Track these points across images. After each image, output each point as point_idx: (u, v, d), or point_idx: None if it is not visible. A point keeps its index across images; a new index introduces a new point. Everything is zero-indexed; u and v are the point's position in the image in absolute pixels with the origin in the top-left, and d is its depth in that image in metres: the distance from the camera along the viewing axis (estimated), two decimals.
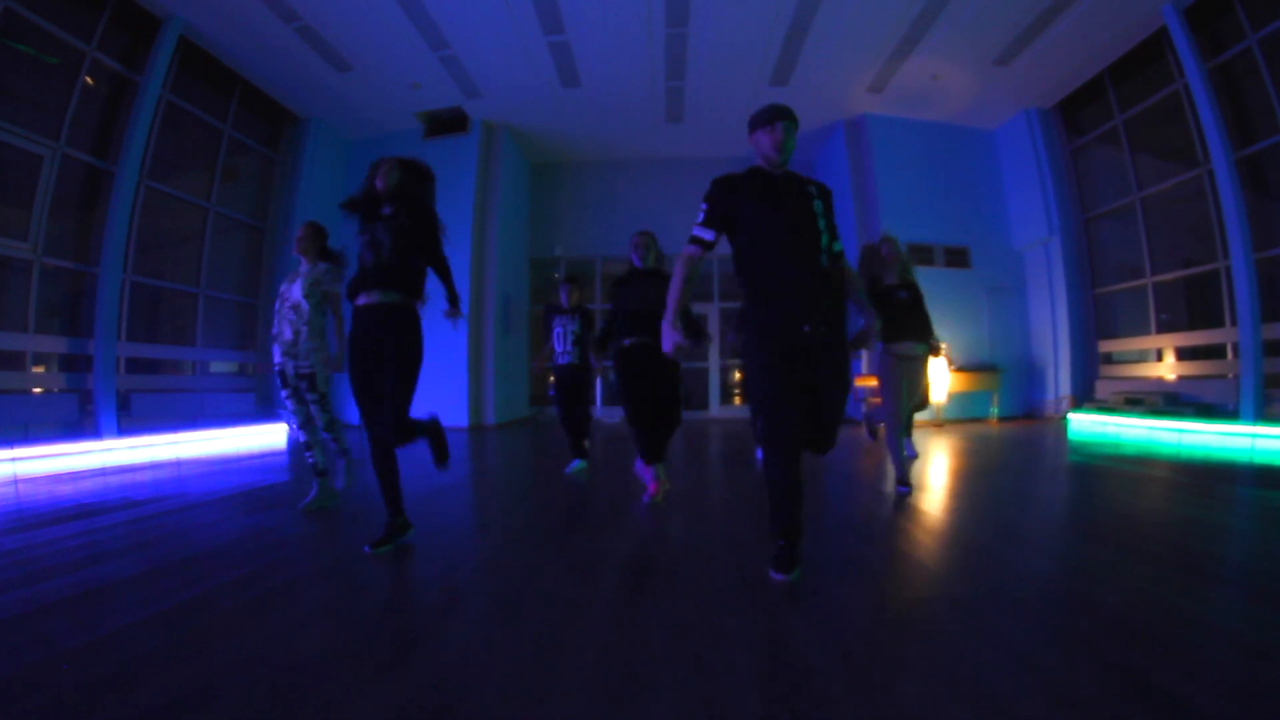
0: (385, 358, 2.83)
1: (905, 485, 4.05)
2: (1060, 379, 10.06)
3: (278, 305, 3.93)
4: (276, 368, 3.93)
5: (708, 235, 2.45)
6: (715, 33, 8.25)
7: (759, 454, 6.04)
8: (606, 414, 11.77)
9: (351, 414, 10.30)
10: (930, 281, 5.29)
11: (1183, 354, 8.46)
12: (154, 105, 7.41)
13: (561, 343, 5.18)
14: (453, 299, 3.16)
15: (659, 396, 3.90)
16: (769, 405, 2.40)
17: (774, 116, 2.45)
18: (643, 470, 4.00)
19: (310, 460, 3.93)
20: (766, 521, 2.47)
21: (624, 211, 12.06)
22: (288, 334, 3.85)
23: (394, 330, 2.86)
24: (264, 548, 3.02)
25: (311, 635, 1.98)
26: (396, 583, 2.48)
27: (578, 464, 5.24)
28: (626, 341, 3.95)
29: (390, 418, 2.82)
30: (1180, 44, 7.50)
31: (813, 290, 2.42)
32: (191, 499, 4.37)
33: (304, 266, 3.96)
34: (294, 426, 3.96)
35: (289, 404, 3.92)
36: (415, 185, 3.00)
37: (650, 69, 9.13)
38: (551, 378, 5.36)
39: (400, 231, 2.86)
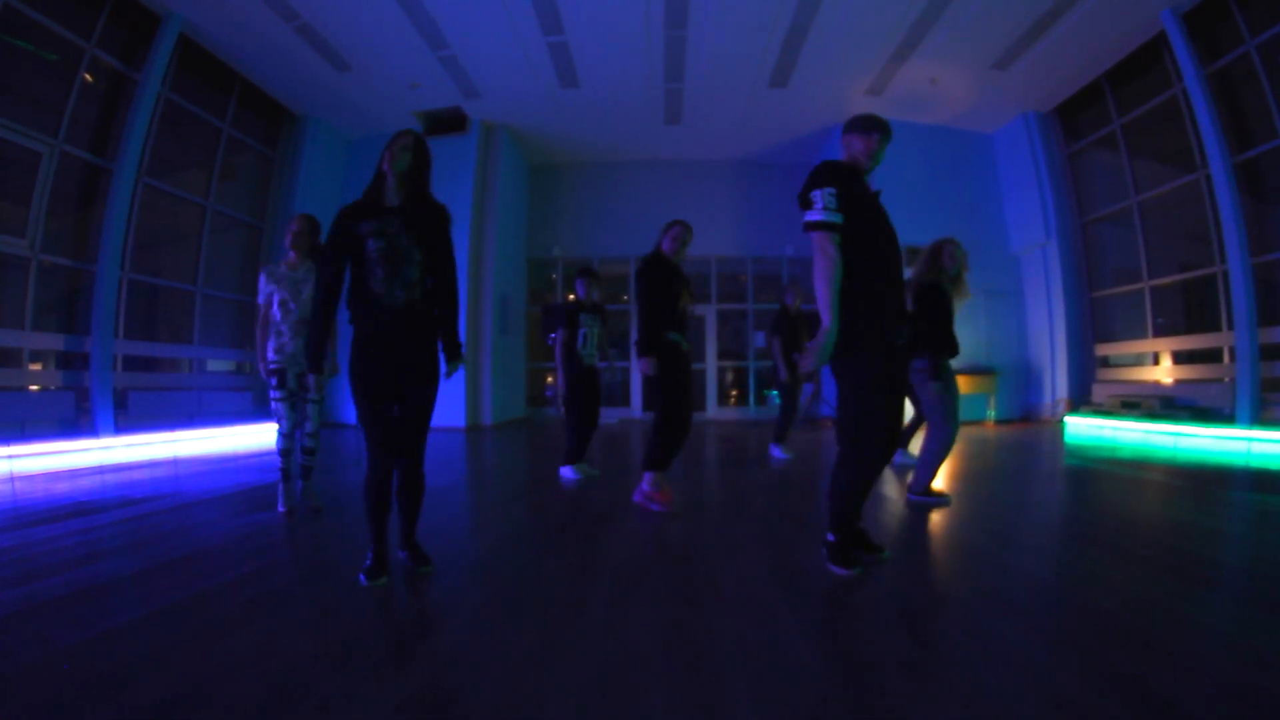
0: (407, 372, 2.45)
1: (934, 496, 3.91)
2: (1057, 382, 10.08)
3: (274, 302, 3.72)
4: (274, 366, 3.70)
5: (839, 219, 2.37)
6: (714, 35, 8.25)
7: (774, 450, 6.06)
8: (605, 414, 11.75)
9: (346, 415, 10.27)
10: None
11: (1179, 358, 8.49)
12: (153, 103, 7.40)
13: (586, 344, 4.92)
14: (453, 347, 2.60)
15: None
16: (878, 409, 2.44)
17: (874, 126, 2.55)
18: (651, 495, 3.75)
19: (300, 461, 3.82)
20: (830, 519, 2.54)
21: (622, 213, 12.07)
22: (289, 337, 3.70)
23: (421, 340, 2.50)
24: (261, 547, 3.02)
25: (308, 635, 1.98)
26: (393, 583, 2.47)
27: (578, 469, 4.97)
28: (674, 337, 3.70)
29: (411, 445, 2.51)
30: (1179, 49, 7.53)
31: (902, 301, 2.55)
32: (188, 498, 4.37)
33: (291, 258, 3.82)
34: (281, 433, 3.75)
35: (282, 408, 3.71)
36: (426, 171, 2.56)
37: (649, 70, 9.14)
38: (551, 379, 5.10)
39: (418, 231, 2.45)
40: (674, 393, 3.69)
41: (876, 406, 2.44)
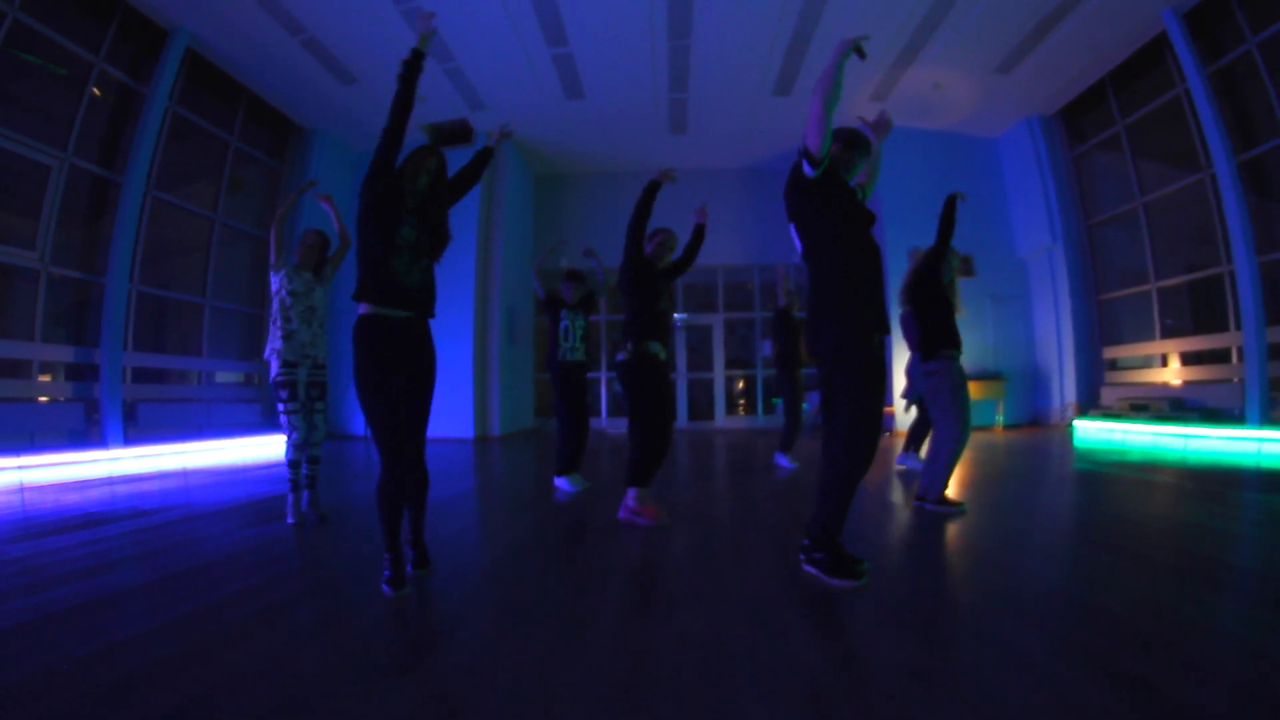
0: (415, 379, 2.54)
1: (950, 505, 3.81)
2: (1065, 386, 10.03)
3: (288, 304, 3.71)
4: (283, 378, 3.68)
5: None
6: (718, 44, 8.29)
7: (780, 459, 6.01)
8: (611, 424, 11.76)
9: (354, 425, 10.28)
10: None
11: (1187, 359, 8.43)
12: (160, 116, 7.47)
13: (569, 337, 4.84)
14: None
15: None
16: (871, 411, 2.45)
17: (856, 142, 2.71)
18: (637, 510, 3.58)
19: (305, 472, 3.80)
20: (818, 528, 2.52)
21: (627, 222, 12.07)
22: (299, 324, 3.73)
23: (427, 346, 2.60)
24: (270, 558, 3.02)
25: (317, 645, 1.98)
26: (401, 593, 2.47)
27: (573, 480, 4.83)
28: (654, 348, 3.62)
29: (418, 441, 2.56)
30: (1180, 48, 7.52)
31: (885, 299, 2.57)
32: (197, 509, 4.38)
33: (296, 264, 3.85)
34: (292, 443, 3.75)
35: (294, 419, 3.72)
36: (442, 193, 2.68)
37: (653, 80, 9.18)
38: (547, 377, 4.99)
39: (439, 241, 2.64)
40: (653, 407, 3.60)
41: (869, 408, 2.44)
